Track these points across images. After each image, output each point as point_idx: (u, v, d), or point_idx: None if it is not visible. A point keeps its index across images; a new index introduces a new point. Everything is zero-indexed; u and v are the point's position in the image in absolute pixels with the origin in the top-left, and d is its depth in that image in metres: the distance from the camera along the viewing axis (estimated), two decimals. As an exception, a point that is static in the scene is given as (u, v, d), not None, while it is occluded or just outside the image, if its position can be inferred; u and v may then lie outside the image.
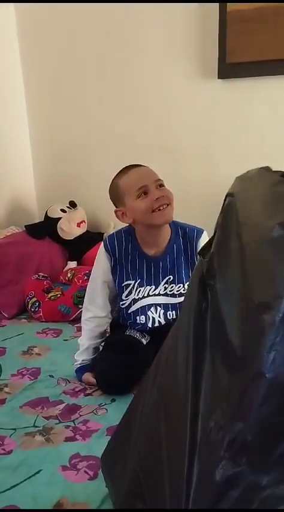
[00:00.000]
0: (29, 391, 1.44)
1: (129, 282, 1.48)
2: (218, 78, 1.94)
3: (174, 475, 0.76)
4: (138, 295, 1.48)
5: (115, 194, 1.43)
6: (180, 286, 1.49)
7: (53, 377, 1.51)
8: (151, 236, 1.45)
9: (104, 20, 2.19)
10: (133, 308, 1.49)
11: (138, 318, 1.49)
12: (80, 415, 1.33)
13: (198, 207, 2.18)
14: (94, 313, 1.51)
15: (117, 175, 1.44)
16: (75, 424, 1.29)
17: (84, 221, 2.37)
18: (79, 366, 1.51)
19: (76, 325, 1.90)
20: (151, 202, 1.36)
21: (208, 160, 2.10)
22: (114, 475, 0.99)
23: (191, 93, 2.06)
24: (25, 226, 2.37)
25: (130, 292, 1.48)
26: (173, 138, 2.15)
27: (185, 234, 1.48)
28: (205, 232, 1.49)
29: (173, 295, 1.49)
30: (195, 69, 2.02)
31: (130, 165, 1.44)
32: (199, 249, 1.46)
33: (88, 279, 1.94)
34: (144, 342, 1.49)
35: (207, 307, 0.78)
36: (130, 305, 1.49)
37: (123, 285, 1.48)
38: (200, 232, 1.49)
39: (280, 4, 1.73)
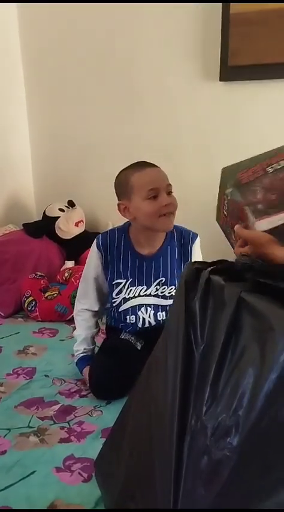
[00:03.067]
0: (24, 390, 1.44)
1: (120, 280, 1.47)
2: (220, 80, 1.93)
3: (164, 470, 0.77)
4: (128, 294, 1.47)
5: (123, 187, 1.39)
6: (171, 288, 1.48)
7: (48, 377, 1.51)
8: (147, 237, 1.45)
9: (106, 20, 2.18)
10: (124, 307, 1.48)
11: (128, 317, 1.48)
12: (75, 416, 1.32)
13: (197, 208, 2.17)
14: (88, 305, 1.52)
15: (129, 168, 1.40)
16: (70, 425, 1.28)
17: (82, 221, 2.37)
18: (81, 355, 1.48)
19: (72, 325, 1.88)
20: (160, 207, 1.34)
21: (209, 162, 2.09)
22: (106, 477, 0.99)
23: (192, 95, 2.05)
24: (23, 224, 2.37)
25: (120, 291, 1.47)
26: (174, 140, 2.15)
27: (181, 236, 1.48)
28: (198, 237, 1.50)
29: (164, 297, 1.48)
30: (197, 71, 2.01)
31: (144, 162, 1.40)
32: (193, 252, 1.47)
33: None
34: (139, 347, 1.48)
35: (194, 309, 0.79)
36: (120, 304, 1.48)
37: (113, 283, 1.47)
38: (195, 236, 1.49)
39: (283, 7, 1.73)
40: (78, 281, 1.97)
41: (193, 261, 1.41)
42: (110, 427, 1.20)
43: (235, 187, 1.12)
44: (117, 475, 0.92)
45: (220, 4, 1.84)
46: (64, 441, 1.22)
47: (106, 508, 0.98)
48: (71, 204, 2.35)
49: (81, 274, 1.98)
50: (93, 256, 1.50)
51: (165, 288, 1.47)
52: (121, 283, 1.47)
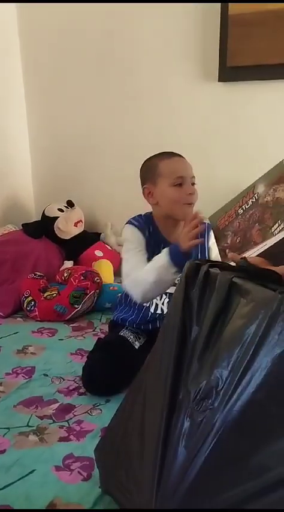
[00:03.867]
0: (23, 390, 1.44)
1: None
2: (219, 81, 1.94)
3: (153, 440, 0.82)
4: None
5: (151, 172, 1.44)
6: None
7: (47, 376, 1.51)
8: (169, 224, 1.46)
9: (105, 20, 2.19)
10: None
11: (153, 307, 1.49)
12: (74, 415, 1.32)
13: (196, 205, 2.18)
14: None
15: (158, 155, 1.45)
16: (69, 424, 1.28)
17: (81, 221, 2.37)
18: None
19: (71, 325, 1.90)
20: (184, 195, 1.39)
21: (208, 162, 2.10)
22: (104, 457, 1.02)
23: (191, 95, 2.06)
24: (22, 225, 2.37)
25: None
26: (173, 140, 2.15)
27: None
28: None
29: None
30: (196, 72, 2.02)
31: (172, 152, 1.45)
32: (209, 240, 1.45)
33: (84, 279, 1.97)
34: (137, 345, 1.49)
35: (193, 299, 0.83)
36: None
37: None
38: (209, 225, 1.48)
39: (282, 8, 1.74)
40: (77, 281, 1.99)
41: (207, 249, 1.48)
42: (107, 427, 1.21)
43: (214, 233, 1.22)
44: (112, 452, 0.96)
45: (219, 5, 1.85)
46: (63, 440, 1.22)
47: (101, 481, 1.01)
48: (70, 204, 2.35)
49: (80, 274, 2.00)
50: (133, 232, 1.45)
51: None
52: None
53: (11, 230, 2.38)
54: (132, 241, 1.46)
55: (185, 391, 0.77)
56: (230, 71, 1.89)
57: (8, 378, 1.51)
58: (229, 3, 1.81)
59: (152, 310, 1.51)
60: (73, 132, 2.45)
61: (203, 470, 0.72)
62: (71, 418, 1.31)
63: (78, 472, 1.11)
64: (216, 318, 0.77)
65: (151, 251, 1.43)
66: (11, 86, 2.48)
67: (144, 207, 1.53)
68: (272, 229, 1.12)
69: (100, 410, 1.35)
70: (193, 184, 1.43)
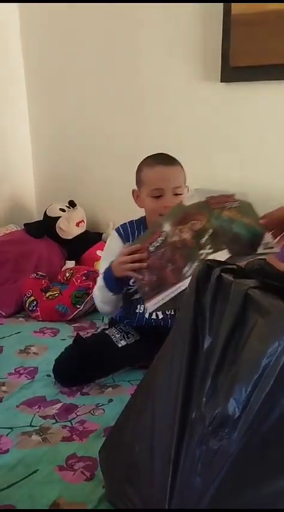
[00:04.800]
0: (26, 390, 1.44)
1: None
2: (221, 81, 1.94)
3: (163, 459, 0.79)
4: None
5: (137, 177, 1.45)
6: None
7: (50, 376, 1.50)
8: None
9: (106, 20, 2.19)
10: (136, 296, 1.47)
11: (138, 306, 1.49)
12: (77, 415, 1.32)
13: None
14: None
15: (148, 159, 1.43)
16: (72, 424, 1.29)
17: (83, 221, 2.37)
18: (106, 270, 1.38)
19: (73, 325, 1.90)
20: (160, 207, 1.36)
21: (209, 162, 2.10)
22: (109, 464, 1.01)
23: (193, 95, 2.06)
24: (24, 224, 2.37)
25: None
26: (175, 140, 2.15)
27: None
28: None
29: None
30: (198, 72, 2.02)
31: (161, 157, 1.42)
32: None
33: (86, 279, 1.97)
34: (121, 344, 1.49)
35: (205, 305, 0.81)
36: (135, 291, 1.46)
37: None
38: None
39: (284, 9, 1.74)
40: (79, 281, 1.99)
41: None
42: (113, 426, 1.21)
43: None
44: (119, 461, 0.94)
45: (222, 5, 1.85)
46: (66, 440, 1.22)
47: (105, 488, 1.01)
48: (72, 204, 2.36)
49: (82, 274, 2.01)
50: (113, 241, 1.49)
51: None
52: None
53: (13, 230, 2.38)
54: (109, 250, 1.49)
55: (199, 413, 0.74)
56: (233, 71, 1.89)
57: (11, 377, 1.51)
58: (232, 3, 1.81)
59: (147, 315, 1.50)
60: (75, 132, 2.45)
61: (217, 497, 0.71)
62: (74, 418, 1.31)
63: (81, 472, 1.11)
64: (231, 333, 0.74)
65: None
66: (13, 86, 2.48)
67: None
68: (184, 270, 1.15)
69: (103, 410, 1.35)
70: (177, 194, 1.38)
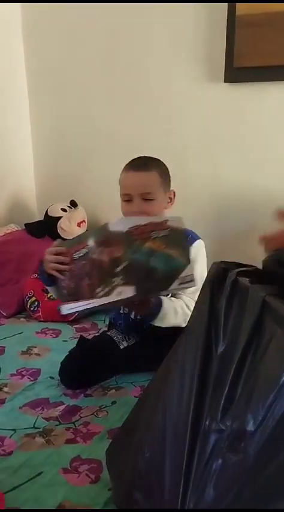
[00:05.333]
0: (29, 391, 1.43)
1: None
2: (225, 82, 1.93)
3: (174, 468, 0.78)
4: None
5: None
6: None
7: (53, 378, 1.49)
8: None
9: (110, 21, 2.18)
10: None
11: (121, 307, 1.50)
12: (80, 417, 1.32)
13: (199, 209, 2.18)
14: None
15: (126, 164, 1.45)
16: (75, 426, 1.28)
17: (84, 221, 2.36)
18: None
19: (75, 326, 1.89)
20: (129, 212, 1.38)
21: (212, 163, 2.10)
22: (117, 467, 1.00)
23: (197, 96, 2.05)
24: (25, 224, 2.36)
25: None
26: (178, 141, 2.15)
27: None
28: (198, 242, 1.46)
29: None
30: (202, 72, 2.01)
31: (136, 161, 1.42)
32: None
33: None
34: (123, 345, 1.49)
35: (219, 309, 0.79)
36: None
37: None
38: (193, 240, 1.45)
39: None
40: (81, 281, 1.98)
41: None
42: (116, 428, 1.20)
43: None
44: (128, 466, 0.93)
45: (226, 5, 1.84)
46: (70, 442, 1.22)
47: (113, 494, 1.00)
48: (73, 204, 2.34)
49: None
50: None
51: None
52: None
53: (14, 230, 2.37)
54: None
55: (214, 424, 0.72)
56: (237, 72, 1.88)
57: (13, 378, 1.50)
58: (237, 4, 1.81)
59: (132, 316, 1.51)
60: (76, 132, 2.44)
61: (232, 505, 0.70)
62: (77, 420, 1.30)
63: (86, 474, 1.10)
64: (249, 342, 0.72)
65: None
66: (14, 86, 2.47)
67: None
68: (97, 290, 1.16)
69: (107, 412, 1.34)
70: (147, 200, 1.37)
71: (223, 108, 2.00)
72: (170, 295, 1.42)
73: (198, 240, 1.47)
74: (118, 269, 1.15)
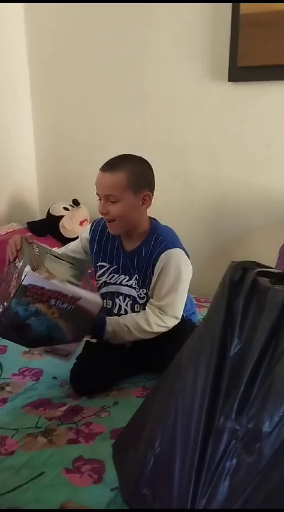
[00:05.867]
0: (31, 391, 1.42)
1: (103, 263, 1.53)
2: (229, 81, 1.93)
3: (185, 465, 0.77)
4: (110, 279, 1.52)
5: None
6: (143, 290, 1.48)
7: (56, 379, 1.49)
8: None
9: (113, 19, 2.17)
10: (103, 290, 1.53)
11: (105, 301, 1.52)
12: (83, 417, 1.31)
13: (202, 208, 2.17)
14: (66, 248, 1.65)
15: None
16: (77, 426, 1.27)
17: (86, 220, 2.36)
18: None
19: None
20: (100, 209, 1.42)
21: (214, 162, 2.09)
22: (124, 462, 1.00)
23: (200, 94, 2.05)
24: (27, 223, 2.35)
25: (103, 274, 1.53)
26: (181, 140, 2.14)
27: (155, 244, 1.44)
28: (170, 251, 1.42)
29: (139, 296, 1.49)
30: (205, 71, 2.01)
31: (107, 162, 1.42)
32: (158, 265, 1.42)
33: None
34: (128, 345, 1.49)
35: (237, 309, 0.78)
36: (101, 286, 1.53)
37: (97, 264, 1.54)
38: (165, 249, 1.42)
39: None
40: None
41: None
42: (119, 428, 1.20)
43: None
44: (136, 460, 0.92)
45: (230, 4, 1.84)
46: (72, 442, 1.21)
47: (120, 488, 0.99)
48: (76, 203, 2.34)
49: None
50: (85, 230, 1.60)
51: (139, 286, 1.48)
52: (104, 266, 1.53)
53: (15, 228, 2.36)
54: (79, 236, 1.63)
55: (228, 422, 0.71)
56: (241, 71, 1.88)
57: (15, 378, 1.50)
58: (241, 3, 1.80)
59: (116, 311, 1.52)
60: (78, 131, 2.43)
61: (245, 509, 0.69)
62: (80, 420, 1.30)
63: (89, 474, 1.09)
64: (267, 343, 0.72)
65: (109, 246, 1.52)
66: (17, 85, 2.47)
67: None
68: (5, 303, 1.22)
69: (109, 412, 1.33)
70: (112, 202, 1.39)
71: (227, 107, 2.00)
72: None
73: (171, 249, 1.42)
74: (5, 304, 1.21)
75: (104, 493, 1.03)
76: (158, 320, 1.42)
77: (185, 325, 1.52)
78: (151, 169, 1.46)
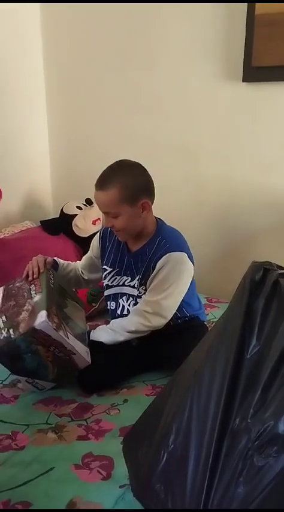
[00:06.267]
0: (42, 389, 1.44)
1: (106, 267, 1.58)
2: (243, 81, 1.92)
3: (199, 464, 0.77)
4: (112, 282, 1.56)
5: None
6: (143, 288, 1.50)
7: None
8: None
9: (127, 19, 2.18)
10: (107, 293, 1.58)
11: (109, 302, 1.58)
12: (92, 414, 1.32)
13: (213, 207, 2.17)
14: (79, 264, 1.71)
15: None
16: (87, 423, 1.28)
17: (99, 219, 2.36)
18: None
19: (88, 323, 1.88)
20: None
21: (226, 162, 2.08)
22: (135, 457, 1.00)
23: (214, 94, 2.04)
24: (40, 221, 2.37)
25: (104, 278, 1.58)
26: (194, 140, 2.14)
27: (159, 246, 1.46)
28: (171, 254, 1.43)
29: (139, 296, 1.51)
30: (220, 71, 2.00)
31: (98, 179, 1.46)
32: (157, 266, 1.44)
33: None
34: (135, 342, 1.51)
35: (256, 310, 0.78)
36: (105, 288, 1.60)
37: (103, 267, 1.61)
38: (167, 251, 1.44)
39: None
40: (95, 279, 1.98)
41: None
42: (128, 426, 1.20)
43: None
44: (149, 456, 0.92)
45: (245, 4, 1.83)
46: (82, 439, 1.22)
47: (130, 482, 0.99)
48: (89, 202, 2.35)
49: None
50: (95, 239, 1.66)
51: (142, 286, 1.49)
52: (107, 270, 1.58)
53: (29, 227, 2.38)
54: (90, 245, 1.69)
55: (244, 423, 0.71)
56: (255, 71, 1.87)
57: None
58: (256, 3, 1.79)
59: (119, 312, 1.55)
60: (92, 131, 2.44)
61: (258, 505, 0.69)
62: (89, 417, 1.31)
63: (98, 471, 1.10)
64: None
65: (114, 250, 1.57)
66: (32, 86, 2.49)
67: (157, 206, 1.54)
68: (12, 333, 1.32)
69: (118, 410, 1.34)
70: (114, 217, 1.43)
71: (241, 107, 1.99)
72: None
73: (173, 253, 1.44)
74: (12, 334, 1.31)
75: (113, 490, 1.04)
76: (142, 319, 1.45)
77: (193, 322, 1.56)
78: (145, 173, 1.47)
